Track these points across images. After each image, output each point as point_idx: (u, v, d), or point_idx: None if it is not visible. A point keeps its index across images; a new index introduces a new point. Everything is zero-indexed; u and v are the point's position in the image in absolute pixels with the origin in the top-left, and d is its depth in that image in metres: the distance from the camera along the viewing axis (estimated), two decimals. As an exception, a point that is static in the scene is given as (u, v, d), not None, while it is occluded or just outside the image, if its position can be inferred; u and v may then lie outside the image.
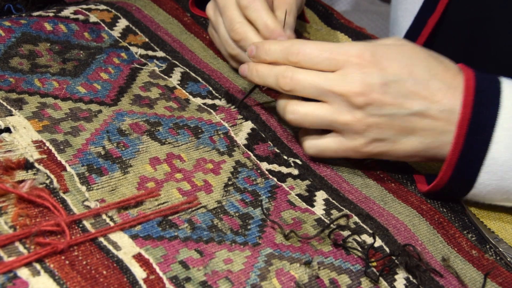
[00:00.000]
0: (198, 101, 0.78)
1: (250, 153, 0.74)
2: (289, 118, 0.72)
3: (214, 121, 0.76)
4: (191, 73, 0.82)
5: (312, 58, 0.70)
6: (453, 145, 0.69)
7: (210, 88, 0.81)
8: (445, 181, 0.71)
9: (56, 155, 0.66)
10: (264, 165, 0.73)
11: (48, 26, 0.82)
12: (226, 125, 0.76)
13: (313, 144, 0.74)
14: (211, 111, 0.77)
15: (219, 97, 0.80)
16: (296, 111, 0.72)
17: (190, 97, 0.79)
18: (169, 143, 0.72)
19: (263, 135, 0.77)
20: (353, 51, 0.70)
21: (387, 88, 0.69)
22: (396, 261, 0.65)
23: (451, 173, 0.70)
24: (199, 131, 0.74)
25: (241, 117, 0.78)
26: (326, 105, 0.71)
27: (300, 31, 0.96)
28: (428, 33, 0.95)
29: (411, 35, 0.96)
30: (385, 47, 0.71)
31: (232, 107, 0.78)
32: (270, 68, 0.73)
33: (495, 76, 0.72)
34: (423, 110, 0.69)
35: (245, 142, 0.75)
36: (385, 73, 0.69)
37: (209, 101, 0.79)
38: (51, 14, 0.84)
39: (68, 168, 0.65)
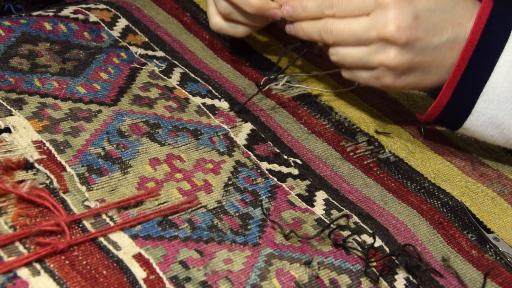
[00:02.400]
0: (198, 100, 0.78)
1: (250, 153, 0.74)
2: (332, 59, 0.77)
3: (213, 124, 0.76)
4: (190, 73, 0.82)
5: (345, 8, 0.74)
6: (456, 67, 0.73)
7: (210, 88, 0.81)
8: (444, 103, 0.74)
9: (56, 155, 0.66)
10: (264, 165, 0.72)
11: (48, 26, 0.82)
12: (226, 127, 0.76)
13: (349, 72, 0.78)
14: (210, 115, 0.77)
15: (219, 96, 0.80)
16: (336, 53, 0.76)
17: (190, 96, 0.79)
18: (168, 144, 0.71)
19: (263, 136, 0.76)
20: None
21: (419, 21, 0.72)
22: (396, 261, 0.65)
23: (450, 95, 0.73)
24: (199, 133, 0.74)
25: (240, 119, 0.78)
26: (363, 47, 0.74)
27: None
28: None
29: None
30: None
31: (231, 112, 0.78)
32: (313, 25, 0.77)
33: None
34: (452, 38, 0.73)
35: (245, 142, 0.75)
36: (414, 7, 0.72)
37: (209, 101, 0.79)
38: (50, 14, 0.83)
39: (68, 169, 0.65)
